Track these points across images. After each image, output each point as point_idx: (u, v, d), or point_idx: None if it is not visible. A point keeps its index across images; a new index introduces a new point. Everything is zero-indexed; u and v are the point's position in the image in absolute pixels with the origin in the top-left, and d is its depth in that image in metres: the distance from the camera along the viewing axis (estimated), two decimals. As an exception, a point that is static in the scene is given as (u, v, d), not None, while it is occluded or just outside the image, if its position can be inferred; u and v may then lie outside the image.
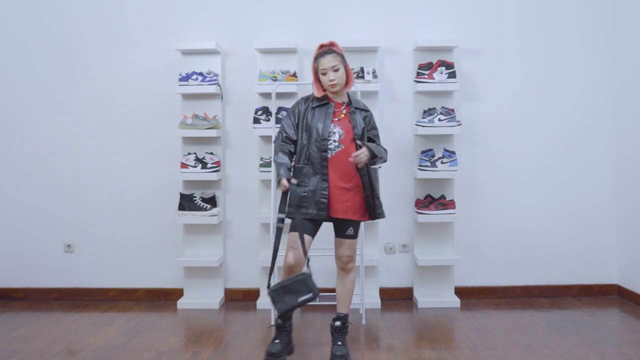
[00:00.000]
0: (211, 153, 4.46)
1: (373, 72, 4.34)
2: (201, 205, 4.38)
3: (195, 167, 4.38)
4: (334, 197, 3.24)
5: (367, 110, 3.40)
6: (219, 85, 4.45)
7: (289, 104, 4.32)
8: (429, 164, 4.30)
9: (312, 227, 3.27)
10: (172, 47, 4.51)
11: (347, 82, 3.35)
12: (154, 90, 4.60)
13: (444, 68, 4.31)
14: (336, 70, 3.26)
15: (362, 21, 4.57)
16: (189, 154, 4.45)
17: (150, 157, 4.61)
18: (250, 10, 4.60)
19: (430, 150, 4.37)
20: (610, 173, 4.57)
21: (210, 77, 4.41)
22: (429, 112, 4.36)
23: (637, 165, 4.32)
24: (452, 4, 4.58)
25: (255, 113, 4.33)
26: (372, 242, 4.43)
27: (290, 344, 3.35)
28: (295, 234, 3.20)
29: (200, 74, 4.40)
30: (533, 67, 4.58)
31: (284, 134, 3.34)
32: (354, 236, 3.33)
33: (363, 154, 3.18)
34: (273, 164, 3.36)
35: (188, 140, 4.52)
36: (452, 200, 4.35)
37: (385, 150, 3.40)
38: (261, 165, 4.31)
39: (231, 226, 4.61)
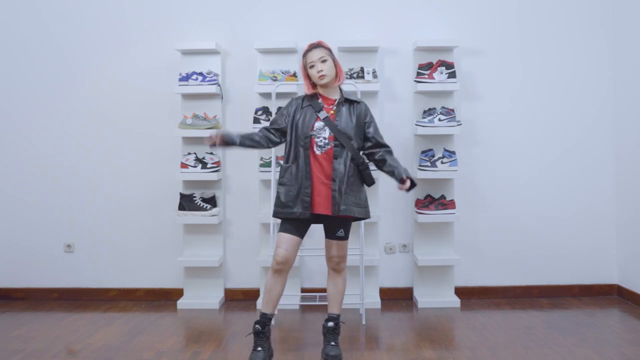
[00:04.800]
0: (211, 153, 4.46)
1: (373, 72, 4.34)
2: (201, 205, 4.38)
3: (195, 167, 4.38)
4: (318, 194, 3.22)
5: (358, 102, 3.33)
6: (219, 85, 4.45)
7: (289, 104, 4.32)
8: (429, 164, 4.30)
9: (302, 227, 3.27)
10: (172, 47, 4.51)
11: (338, 76, 3.31)
12: (154, 90, 4.60)
13: (444, 68, 4.31)
14: (324, 62, 3.24)
15: (362, 21, 4.57)
16: (189, 154, 4.45)
17: (150, 157, 4.61)
18: (250, 10, 4.60)
19: (430, 150, 4.37)
20: (610, 173, 4.57)
21: (210, 77, 4.41)
22: (429, 112, 4.36)
23: (637, 165, 4.32)
24: (452, 4, 4.58)
25: (255, 113, 4.33)
26: (372, 242, 4.43)
27: (269, 349, 3.27)
28: (284, 235, 3.23)
29: (200, 74, 4.40)
30: (533, 67, 4.58)
31: (271, 125, 3.36)
32: (345, 237, 3.31)
33: (405, 188, 3.23)
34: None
35: (188, 140, 4.52)
36: (452, 200, 4.35)
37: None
38: (261, 165, 4.32)
39: (231, 226, 4.61)
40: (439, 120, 4.30)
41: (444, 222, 4.43)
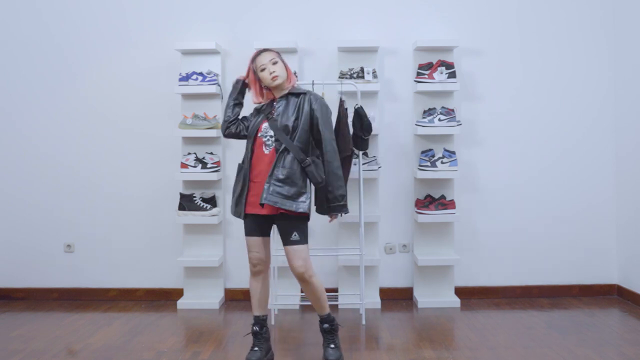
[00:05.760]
0: (211, 153, 4.46)
1: (373, 72, 4.34)
2: (201, 205, 4.38)
3: (195, 167, 4.38)
4: (257, 193, 3.19)
5: (304, 93, 3.27)
6: (219, 85, 4.45)
7: (289, 104, 4.32)
8: (429, 164, 4.30)
9: (263, 226, 3.25)
10: (172, 47, 4.51)
11: (289, 78, 3.29)
12: (154, 90, 4.60)
13: (444, 68, 4.31)
14: (275, 63, 3.24)
15: (362, 21, 4.57)
16: (189, 154, 4.45)
17: (150, 157, 4.61)
18: (250, 10, 4.60)
19: (430, 150, 4.37)
20: (610, 173, 4.57)
21: (210, 77, 4.41)
22: (429, 112, 4.37)
23: (637, 165, 4.32)
24: (452, 4, 4.58)
25: (255, 113, 4.33)
26: (372, 242, 4.42)
27: (270, 351, 3.29)
28: (249, 238, 3.26)
29: (200, 74, 4.40)
30: (533, 67, 4.58)
31: (242, 118, 3.44)
32: (301, 241, 3.16)
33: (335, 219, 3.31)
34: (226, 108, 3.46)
35: (188, 140, 4.52)
36: (452, 200, 4.35)
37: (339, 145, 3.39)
38: (261, 165, 4.32)
39: (231, 226, 4.61)
40: (439, 120, 4.30)
41: (444, 222, 4.42)
